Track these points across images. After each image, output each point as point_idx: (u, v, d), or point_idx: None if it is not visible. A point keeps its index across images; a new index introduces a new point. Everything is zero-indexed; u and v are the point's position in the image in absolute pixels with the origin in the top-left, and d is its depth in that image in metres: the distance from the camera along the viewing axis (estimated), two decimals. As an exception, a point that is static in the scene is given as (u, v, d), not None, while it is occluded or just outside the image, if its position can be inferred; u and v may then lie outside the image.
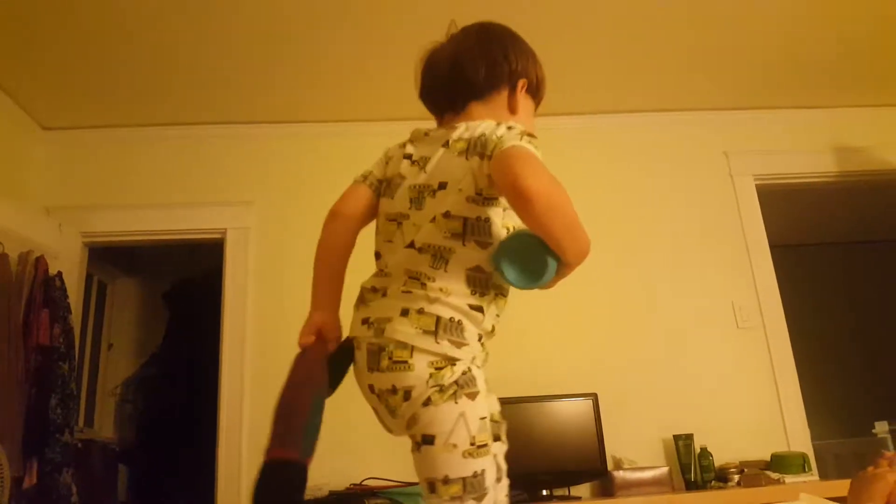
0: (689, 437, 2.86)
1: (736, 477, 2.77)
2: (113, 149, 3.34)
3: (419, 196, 1.26)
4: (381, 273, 1.30)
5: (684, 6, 2.75)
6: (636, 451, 2.93)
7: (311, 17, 2.66)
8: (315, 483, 2.76)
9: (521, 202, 1.08)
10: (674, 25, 2.86)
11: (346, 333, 1.34)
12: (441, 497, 1.14)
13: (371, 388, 1.25)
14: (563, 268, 1.17)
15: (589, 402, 2.90)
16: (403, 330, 1.18)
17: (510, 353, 3.09)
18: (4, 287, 2.65)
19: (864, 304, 5.41)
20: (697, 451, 2.85)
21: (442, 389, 1.15)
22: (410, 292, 1.20)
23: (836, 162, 3.51)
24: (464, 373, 1.17)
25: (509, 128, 1.20)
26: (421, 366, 1.16)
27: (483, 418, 1.17)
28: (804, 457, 2.81)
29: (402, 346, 1.17)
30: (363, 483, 2.74)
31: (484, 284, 1.22)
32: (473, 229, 1.20)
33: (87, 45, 2.76)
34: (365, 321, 1.26)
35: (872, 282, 5.47)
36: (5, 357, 2.53)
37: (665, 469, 2.81)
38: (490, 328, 1.25)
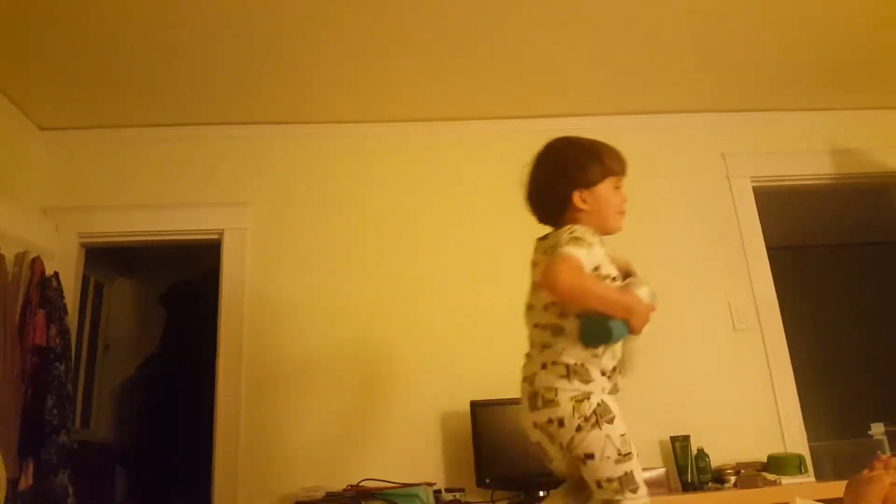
0: (686, 438, 2.86)
1: (732, 478, 2.78)
2: (110, 149, 3.34)
3: (532, 288, 1.83)
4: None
5: (682, 9, 2.75)
6: (633, 452, 2.93)
7: (309, 18, 2.66)
8: (312, 484, 2.76)
9: (554, 295, 1.63)
10: (671, 28, 2.87)
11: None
12: (606, 492, 1.60)
13: (535, 424, 1.67)
14: (631, 325, 1.61)
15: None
16: (546, 377, 1.66)
17: (508, 355, 3.10)
18: (1, 288, 2.64)
19: (861, 306, 5.42)
20: (694, 452, 2.85)
21: (587, 419, 1.58)
22: (543, 354, 1.70)
23: (833, 164, 3.52)
24: (599, 404, 1.60)
25: (569, 232, 1.65)
26: (565, 400, 1.61)
27: (622, 434, 1.60)
28: (801, 458, 2.81)
29: (549, 389, 1.64)
30: (360, 484, 2.74)
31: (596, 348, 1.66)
32: (568, 312, 1.67)
33: (84, 46, 2.75)
34: (523, 379, 1.78)
35: (869, 284, 5.48)
36: (1, 358, 2.53)
37: (662, 470, 2.81)
38: (611, 367, 1.68)
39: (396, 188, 3.35)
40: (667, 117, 3.51)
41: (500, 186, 3.31)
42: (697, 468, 2.82)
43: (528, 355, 1.79)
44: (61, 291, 2.88)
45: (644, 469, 2.73)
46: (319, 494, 2.65)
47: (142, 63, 2.88)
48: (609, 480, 1.60)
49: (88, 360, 4.15)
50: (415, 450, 2.94)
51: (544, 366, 1.67)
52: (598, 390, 1.63)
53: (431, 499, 2.67)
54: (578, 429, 1.58)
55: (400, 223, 3.29)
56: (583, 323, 1.62)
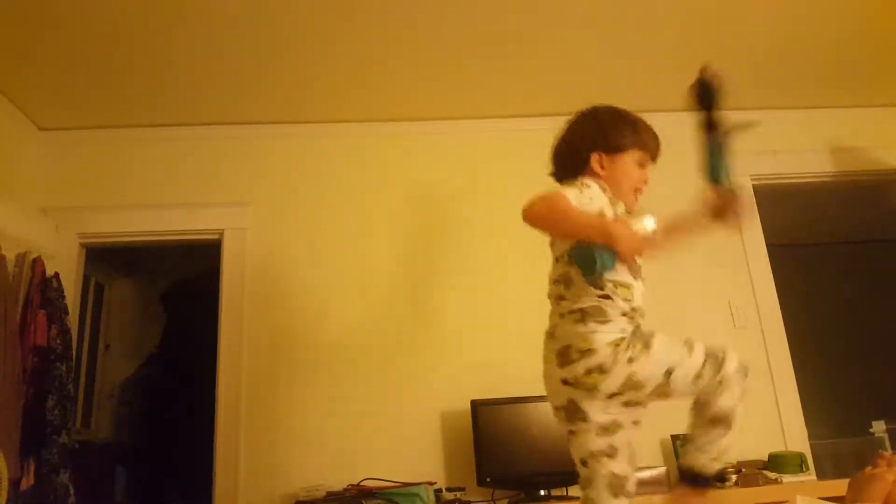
0: (687, 437, 2.86)
1: (733, 477, 2.77)
2: (110, 149, 3.34)
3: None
4: None
5: (680, 7, 2.75)
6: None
7: (308, 18, 2.66)
8: (312, 483, 2.76)
9: (525, 221, 1.61)
10: (669, 26, 2.87)
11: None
12: (706, 383, 1.60)
13: (565, 381, 1.60)
14: (611, 248, 1.55)
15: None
16: (566, 328, 1.62)
17: (508, 354, 3.10)
18: (1, 288, 2.65)
19: (862, 304, 5.42)
20: (695, 451, 2.85)
21: (625, 353, 1.56)
22: (560, 306, 1.67)
23: (833, 162, 3.51)
24: (623, 338, 1.58)
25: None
26: (602, 345, 1.57)
27: (663, 342, 1.61)
28: (801, 456, 2.81)
29: (580, 337, 1.59)
30: (361, 483, 2.74)
31: (598, 285, 1.63)
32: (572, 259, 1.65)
33: (84, 46, 2.75)
34: (548, 336, 1.69)
35: (870, 282, 5.48)
36: (2, 358, 2.53)
37: (662, 469, 2.81)
38: (629, 308, 1.64)
39: (396, 187, 3.35)
40: (665, 116, 3.48)
41: (499, 185, 3.31)
42: (698, 467, 2.82)
43: (549, 314, 1.73)
44: (62, 292, 2.88)
45: (645, 468, 2.77)
46: (320, 494, 2.65)
47: (142, 63, 2.88)
48: (697, 377, 1.59)
49: (89, 360, 4.15)
50: (415, 449, 2.95)
51: (562, 315, 1.65)
52: (618, 330, 1.60)
53: (432, 498, 2.67)
54: (630, 361, 1.55)
55: (400, 222, 3.29)
56: (570, 252, 1.63)
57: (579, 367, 1.57)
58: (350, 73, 3.03)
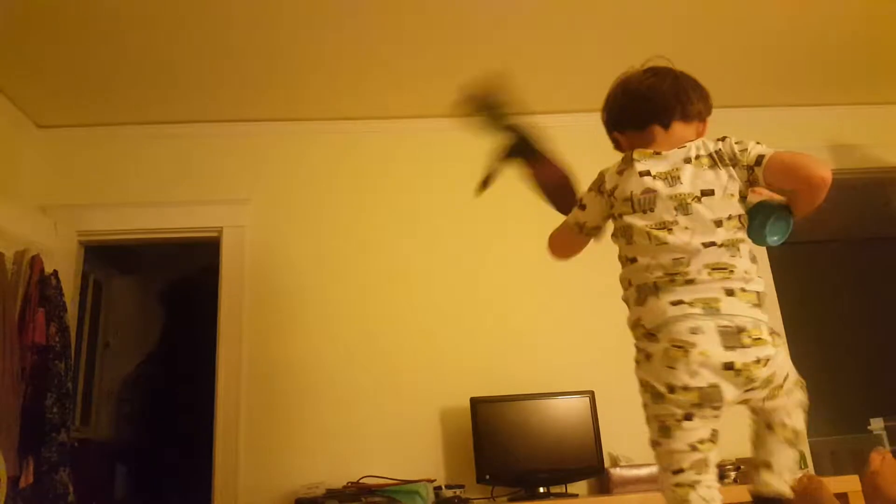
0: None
1: (732, 474, 2.78)
2: (108, 147, 3.34)
3: (681, 204, 1.50)
4: (658, 268, 1.49)
5: (678, 7, 2.76)
6: (633, 448, 2.92)
7: (308, 15, 2.65)
8: (312, 481, 2.76)
9: (818, 189, 1.47)
10: (668, 26, 2.87)
11: (644, 317, 1.51)
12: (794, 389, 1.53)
13: (729, 366, 1.39)
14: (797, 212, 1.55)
15: (586, 400, 2.90)
16: (742, 307, 1.43)
17: (508, 351, 3.10)
18: (0, 286, 2.64)
19: (860, 302, 5.43)
20: (694, 448, 2.85)
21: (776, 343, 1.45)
22: (725, 278, 1.45)
23: (831, 159, 3.50)
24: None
25: (737, 142, 1.55)
26: (767, 334, 1.44)
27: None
28: (800, 453, 2.81)
29: (756, 323, 1.43)
30: (361, 481, 2.74)
31: (756, 263, 1.52)
32: (743, 223, 1.52)
33: (82, 43, 2.75)
34: (677, 303, 1.44)
35: (868, 279, 5.49)
36: (1, 356, 2.53)
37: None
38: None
39: (396, 185, 3.35)
40: (665, 113, 3.51)
41: (501, 184, 3.31)
42: (697, 464, 2.82)
43: (673, 279, 1.47)
44: (61, 289, 2.88)
45: (644, 465, 2.78)
46: (320, 491, 2.65)
47: (141, 61, 2.88)
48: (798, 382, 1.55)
49: (88, 357, 4.15)
50: (415, 446, 2.95)
51: (731, 292, 1.44)
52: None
53: (432, 495, 2.67)
54: (775, 356, 1.43)
55: (399, 220, 3.29)
56: (772, 214, 1.55)
57: (749, 356, 1.42)
58: (349, 70, 3.03)
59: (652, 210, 1.52)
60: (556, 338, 3.12)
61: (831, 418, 4.62)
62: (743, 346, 1.40)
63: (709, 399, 1.40)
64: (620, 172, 1.60)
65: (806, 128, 3.55)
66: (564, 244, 1.77)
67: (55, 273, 2.88)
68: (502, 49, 2.95)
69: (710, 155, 1.54)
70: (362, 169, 3.37)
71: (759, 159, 1.51)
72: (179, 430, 4.03)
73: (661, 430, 1.48)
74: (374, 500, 2.57)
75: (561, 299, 3.16)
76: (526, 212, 3.49)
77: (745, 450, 2.89)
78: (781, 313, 3.26)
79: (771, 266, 3.32)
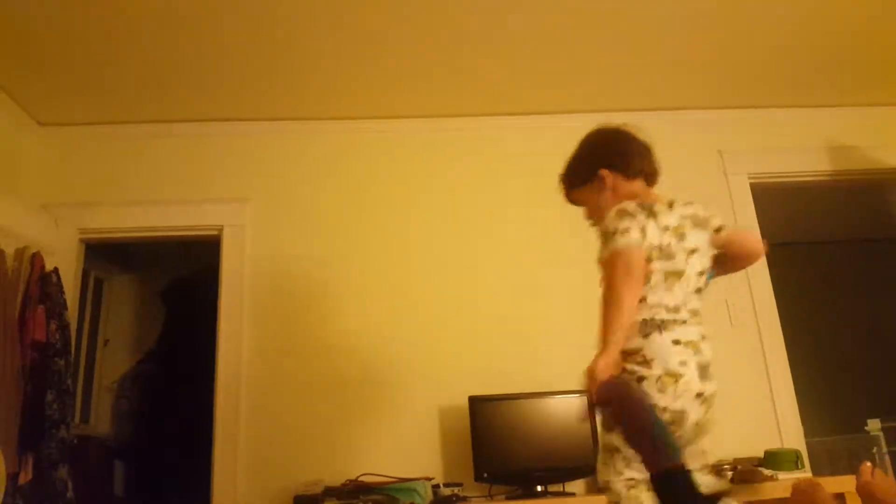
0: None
1: (729, 474, 2.78)
2: (109, 145, 3.34)
3: (687, 257, 1.77)
4: (662, 308, 1.72)
5: (678, 6, 2.76)
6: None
7: (308, 14, 2.66)
8: (311, 478, 2.77)
9: (756, 260, 1.94)
10: (668, 24, 2.87)
11: (646, 348, 1.70)
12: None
13: (700, 395, 1.68)
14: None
15: (584, 399, 2.91)
16: (708, 346, 1.74)
17: (505, 350, 3.11)
18: (0, 283, 2.65)
19: (858, 303, 5.44)
20: (691, 447, 2.86)
21: None
22: (699, 323, 1.76)
23: (830, 161, 3.52)
24: None
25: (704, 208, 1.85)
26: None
27: None
28: (797, 453, 2.83)
29: (710, 360, 1.73)
30: (359, 479, 2.75)
31: None
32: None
33: (84, 42, 2.76)
34: (676, 342, 1.70)
35: (866, 280, 5.50)
36: (1, 353, 2.54)
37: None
38: None
39: (396, 184, 3.35)
40: (664, 114, 3.52)
41: (498, 183, 3.32)
42: (694, 463, 2.83)
43: (677, 320, 1.72)
44: (61, 287, 2.89)
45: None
46: (318, 489, 2.66)
47: (142, 59, 2.89)
48: None
49: (88, 355, 4.16)
50: (413, 445, 2.96)
51: (703, 337, 1.75)
52: None
53: (430, 493, 2.68)
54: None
55: (399, 219, 3.30)
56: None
57: (714, 387, 1.75)
58: (349, 69, 3.04)
59: (672, 258, 1.75)
60: (555, 337, 3.12)
61: (829, 419, 4.63)
62: (709, 379, 1.70)
63: (678, 421, 1.66)
64: (650, 216, 1.78)
65: (806, 129, 3.56)
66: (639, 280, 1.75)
67: (56, 270, 2.89)
68: (502, 49, 2.96)
69: (694, 217, 1.82)
70: (362, 168, 3.37)
71: (720, 228, 1.84)
72: (179, 428, 4.04)
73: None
74: (373, 497, 2.58)
75: (559, 299, 3.17)
76: (525, 212, 3.51)
77: (742, 450, 2.93)
78: (780, 314, 3.27)
79: (769, 267, 3.33)
